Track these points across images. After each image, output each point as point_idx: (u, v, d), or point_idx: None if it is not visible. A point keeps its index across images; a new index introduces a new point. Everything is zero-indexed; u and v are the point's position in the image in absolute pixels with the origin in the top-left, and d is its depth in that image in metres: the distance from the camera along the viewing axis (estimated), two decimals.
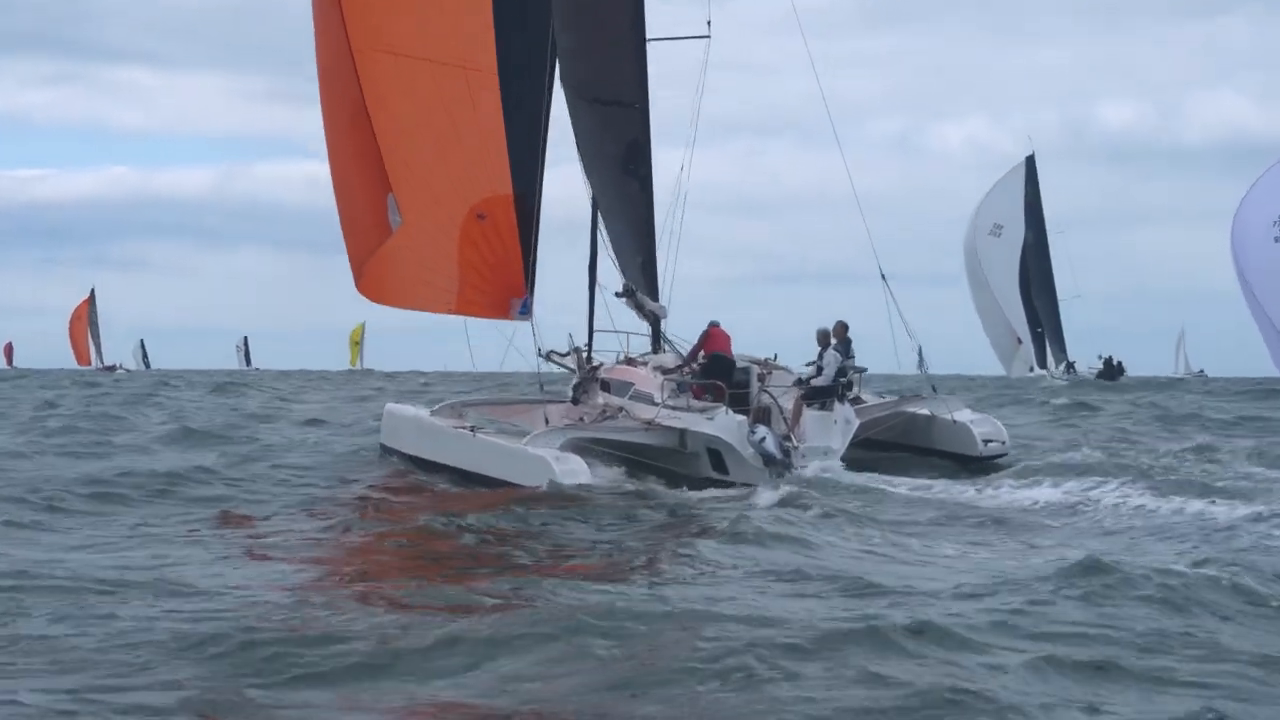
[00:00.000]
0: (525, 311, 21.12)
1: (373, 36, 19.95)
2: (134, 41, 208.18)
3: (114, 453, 22.81)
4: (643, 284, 22.02)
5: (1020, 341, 54.53)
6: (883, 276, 20.86)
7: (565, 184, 22.40)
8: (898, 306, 20.91)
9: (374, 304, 21.82)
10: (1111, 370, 68.19)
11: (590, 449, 18.53)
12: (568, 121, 21.40)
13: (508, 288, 21.26)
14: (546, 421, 19.48)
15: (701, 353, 20.61)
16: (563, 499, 16.09)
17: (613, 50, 21.20)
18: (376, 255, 21.14)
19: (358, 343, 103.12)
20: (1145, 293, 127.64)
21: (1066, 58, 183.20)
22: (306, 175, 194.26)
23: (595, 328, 22.27)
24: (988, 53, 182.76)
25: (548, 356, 22.11)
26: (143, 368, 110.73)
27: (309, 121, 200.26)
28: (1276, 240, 63.69)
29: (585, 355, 21.90)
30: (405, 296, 21.58)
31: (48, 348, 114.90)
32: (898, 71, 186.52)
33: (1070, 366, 65.97)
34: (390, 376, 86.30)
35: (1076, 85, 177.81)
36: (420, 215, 20.61)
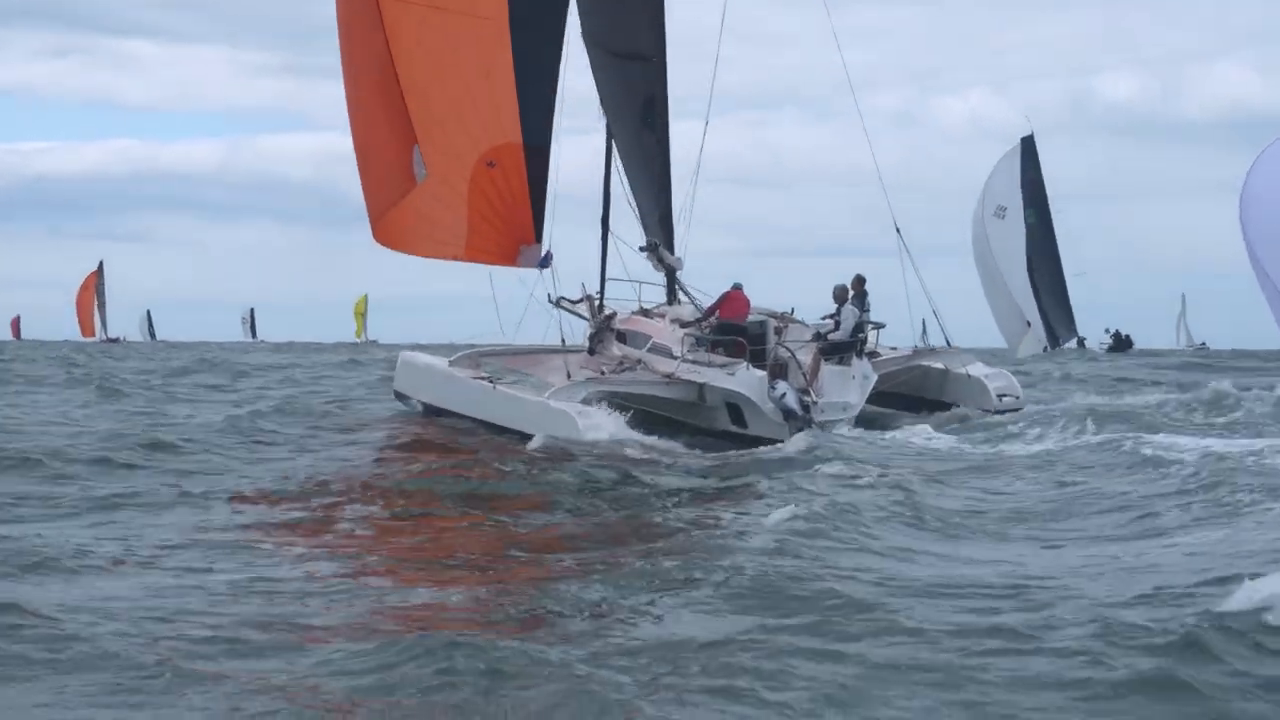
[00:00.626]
0: (546, 263, 21.25)
1: None
2: (139, 14, 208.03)
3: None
4: (661, 237, 22.27)
5: (1029, 324, 54.63)
6: (905, 248, 21.39)
7: (587, 138, 22.49)
8: (919, 274, 21.40)
9: (392, 250, 21.98)
10: (1121, 343, 68.23)
11: (610, 401, 18.72)
12: (586, 75, 21.72)
13: (516, 235, 21.35)
14: (569, 375, 19.63)
15: (715, 315, 20.79)
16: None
17: (630, 2, 21.42)
18: (395, 209, 21.39)
19: (362, 314, 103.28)
20: (1146, 266, 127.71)
21: (1067, 30, 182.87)
22: (312, 148, 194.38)
23: (608, 276, 22.48)
24: (988, 25, 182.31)
25: (558, 303, 22.34)
26: (148, 339, 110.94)
27: (314, 94, 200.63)
28: None
29: (597, 303, 22.10)
30: (417, 243, 21.81)
31: (54, 320, 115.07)
32: (899, 44, 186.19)
33: (1081, 342, 66.26)
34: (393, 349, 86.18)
35: (1078, 57, 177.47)
36: (432, 162, 20.84)
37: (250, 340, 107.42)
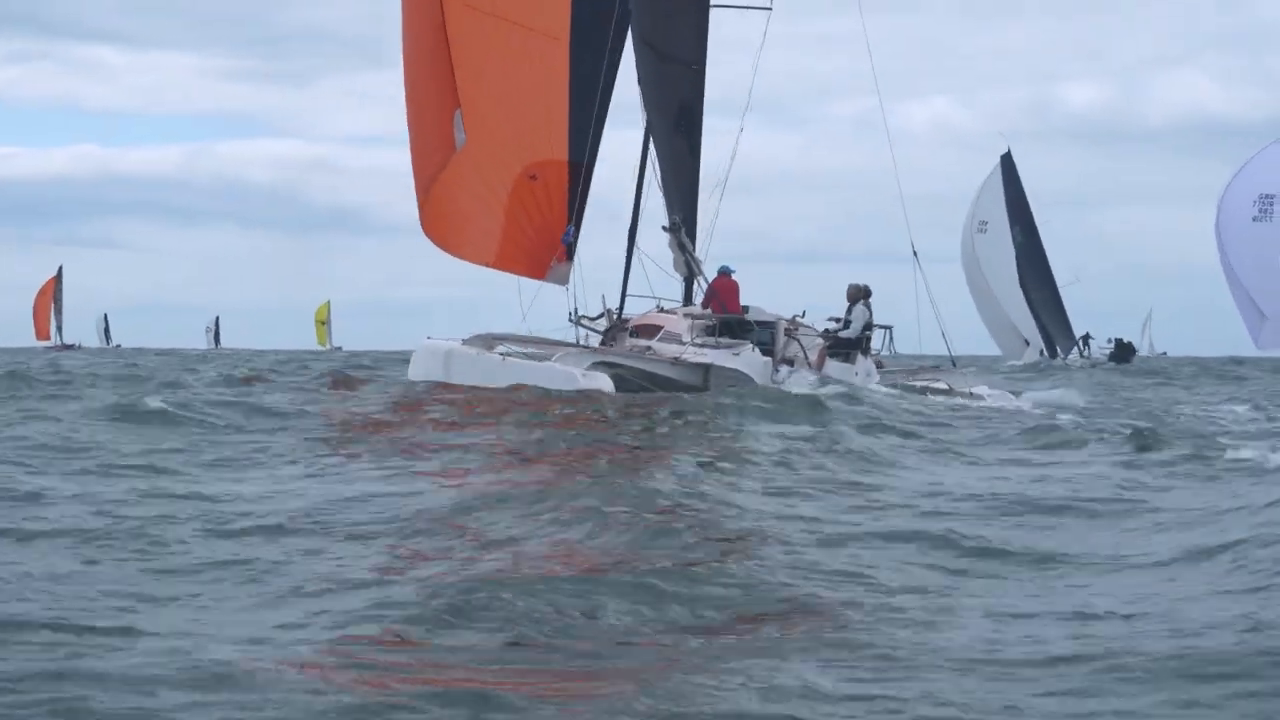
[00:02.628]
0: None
1: None
2: (103, 20, 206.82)
3: None
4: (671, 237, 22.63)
5: (1028, 343, 55.18)
6: (918, 266, 22.03)
7: (625, 150, 22.97)
8: (927, 284, 21.93)
9: (437, 246, 22.48)
10: (1123, 351, 68.64)
11: (616, 375, 19.06)
12: (633, 91, 22.09)
13: (548, 250, 21.96)
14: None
15: (710, 309, 21.25)
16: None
17: (679, 10, 21.85)
18: (436, 188, 21.72)
19: (324, 322, 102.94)
20: (1110, 272, 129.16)
21: (1032, 37, 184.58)
22: (275, 154, 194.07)
23: (629, 293, 22.78)
24: (955, 32, 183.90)
25: (578, 321, 22.68)
26: (104, 344, 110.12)
27: (276, 100, 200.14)
28: (1254, 220, 65.12)
29: (616, 316, 22.39)
30: (455, 243, 22.38)
31: (17, 326, 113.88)
32: (864, 51, 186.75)
33: (1085, 340, 67.02)
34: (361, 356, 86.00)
35: (1042, 65, 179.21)
36: (476, 160, 21.30)
37: (212, 348, 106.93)
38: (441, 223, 22.21)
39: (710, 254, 22.66)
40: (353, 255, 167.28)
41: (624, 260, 23.04)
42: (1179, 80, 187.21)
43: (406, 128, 22.30)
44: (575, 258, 22.42)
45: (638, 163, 22.81)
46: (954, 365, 22.67)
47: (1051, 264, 60.98)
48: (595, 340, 22.11)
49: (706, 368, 19.76)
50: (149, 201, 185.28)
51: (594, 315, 22.73)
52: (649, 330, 21.13)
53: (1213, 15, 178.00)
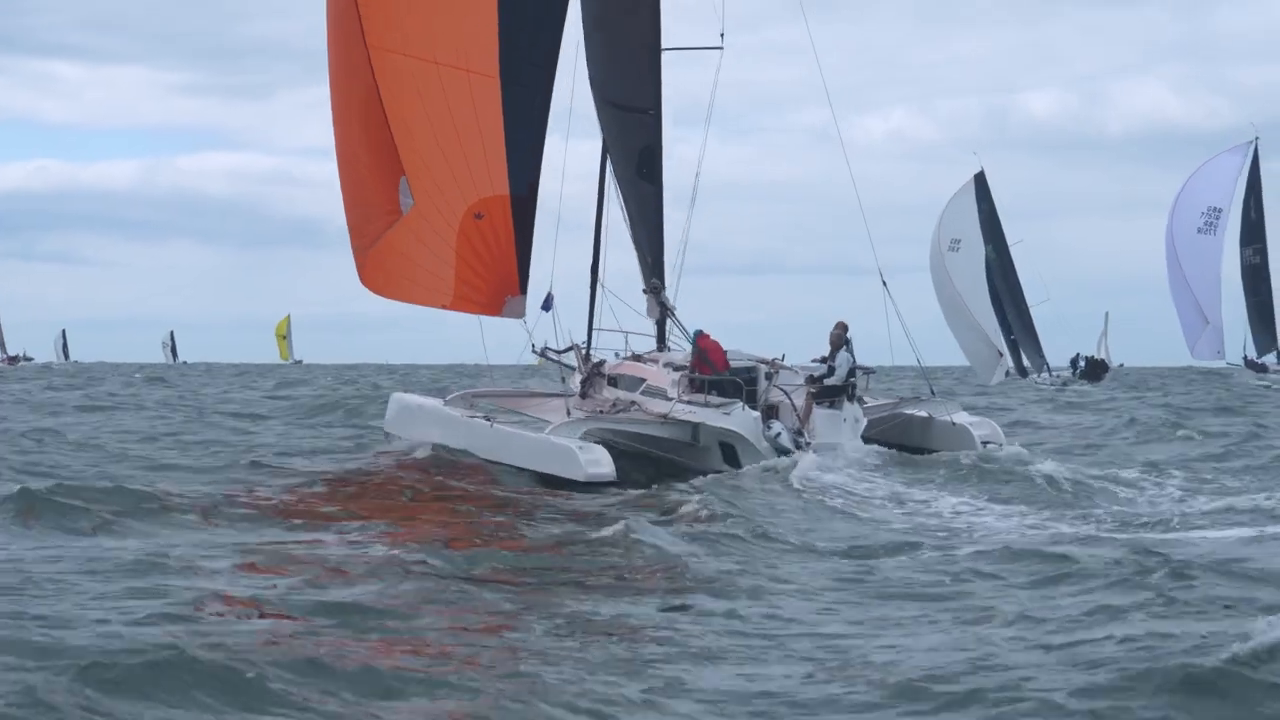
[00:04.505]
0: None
1: (381, 36, 20.28)
2: (60, 36, 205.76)
3: None
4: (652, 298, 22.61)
5: (1001, 354, 55.39)
6: (884, 284, 21.81)
7: (584, 183, 22.86)
8: (898, 311, 21.76)
9: (379, 296, 22.11)
10: (1095, 369, 68.76)
11: (605, 439, 18.80)
12: (587, 123, 22.24)
13: (502, 286, 21.56)
14: (568, 413, 19.78)
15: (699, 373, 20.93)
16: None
17: (630, 57, 21.90)
18: (379, 244, 21.41)
19: (284, 336, 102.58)
20: (1070, 284, 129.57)
21: (989, 47, 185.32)
22: (231, 167, 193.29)
23: (596, 326, 22.56)
24: (911, 42, 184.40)
25: (542, 353, 22.58)
26: (62, 359, 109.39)
27: (234, 113, 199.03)
28: (1199, 231, 65.91)
29: (585, 352, 22.19)
30: (403, 290, 21.98)
31: None
32: (821, 60, 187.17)
33: (1076, 361, 67.57)
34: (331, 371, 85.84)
35: (999, 75, 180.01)
36: (422, 210, 20.96)
37: (170, 363, 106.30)
38: (382, 273, 21.73)
39: (681, 268, 22.63)
40: (312, 268, 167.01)
41: (588, 295, 22.83)
42: (1137, 89, 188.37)
43: (340, 190, 21.77)
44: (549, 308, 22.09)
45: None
46: (932, 394, 22.35)
47: (1023, 283, 61.49)
48: (570, 379, 21.96)
49: (696, 426, 19.51)
50: (108, 215, 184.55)
51: (560, 349, 22.48)
52: (630, 381, 20.89)
53: (1169, 25, 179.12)
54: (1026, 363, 62.78)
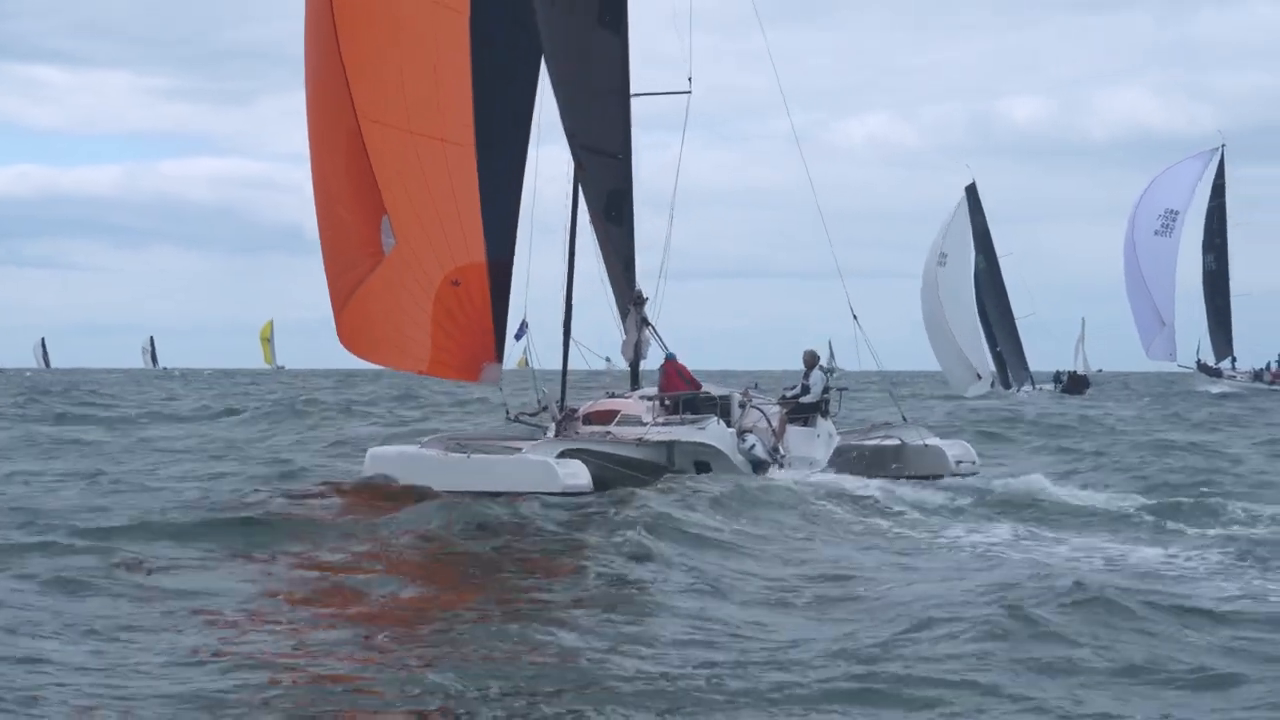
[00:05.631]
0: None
1: (362, 104, 20.03)
2: (44, 41, 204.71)
3: None
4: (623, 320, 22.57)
5: (979, 377, 55.25)
6: (854, 317, 22.35)
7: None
8: (865, 336, 22.33)
9: (357, 356, 22.00)
10: (1076, 384, 68.89)
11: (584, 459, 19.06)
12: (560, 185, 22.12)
13: (479, 353, 21.50)
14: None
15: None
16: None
17: (599, 103, 22.04)
18: (356, 301, 21.14)
19: (267, 339, 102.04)
20: (1054, 289, 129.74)
21: (972, 54, 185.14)
22: (215, 172, 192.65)
23: (570, 383, 22.34)
24: (894, 48, 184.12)
25: (517, 418, 22.32)
26: (42, 366, 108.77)
27: (218, 119, 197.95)
28: (1155, 234, 66.35)
29: (559, 404, 21.89)
30: (380, 353, 21.91)
31: None
32: (805, 67, 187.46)
33: (1058, 376, 67.94)
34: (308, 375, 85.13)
35: (982, 81, 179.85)
36: (399, 275, 20.80)
37: (151, 368, 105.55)
38: (361, 336, 21.53)
39: (665, 271, 22.73)
40: (296, 274, 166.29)
41: (561, 349, 22.56)
42: (1119, 96, 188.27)
43: (318, 234, 21.29)
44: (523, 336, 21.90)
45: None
46: (904, 420, 22.84)
47: (1010, 294, 61.87)
48: (546, 431, 21.74)
49: (670, 445, 19.98)
50: (91, 221, 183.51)
51: (532, 411, 22.26)
52: (604, 416, 21.08)
53: (1151, 32, 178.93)
54: (1010, 376, 63.24)
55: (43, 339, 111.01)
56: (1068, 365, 75.36)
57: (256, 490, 20.38)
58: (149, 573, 12.50)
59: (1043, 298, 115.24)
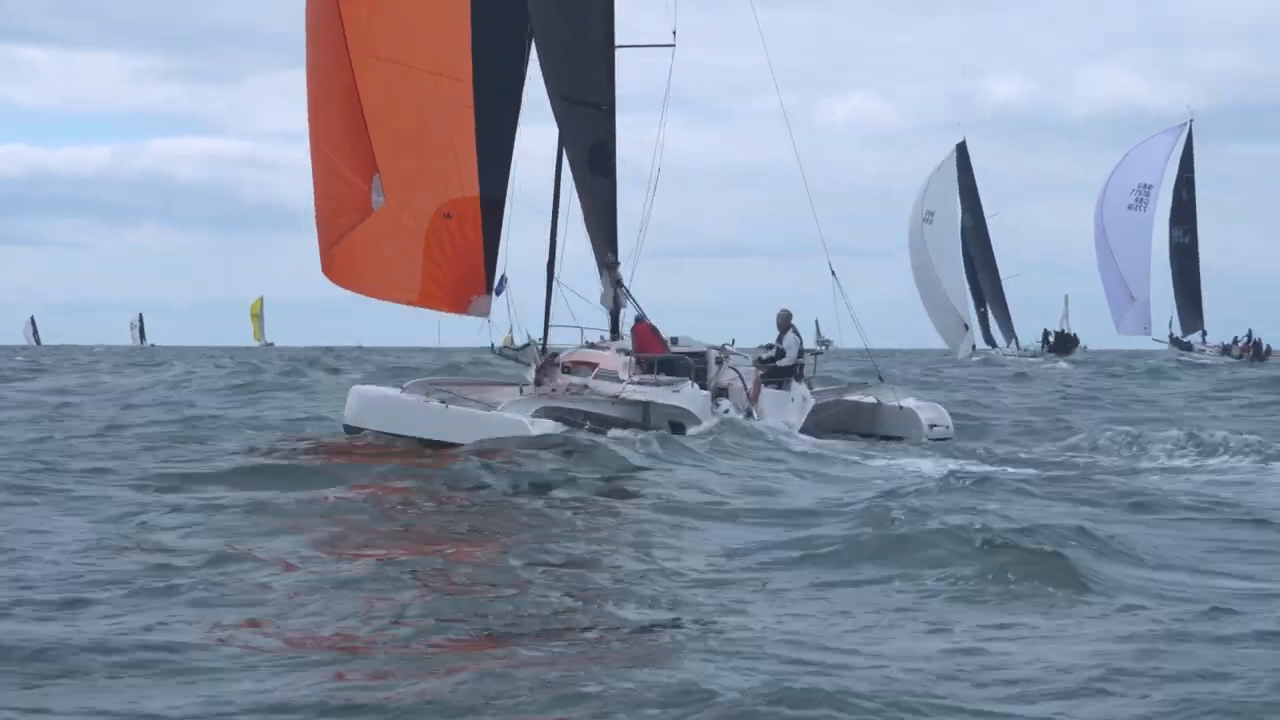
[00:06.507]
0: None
1: (360, 39, 20.88)
2: (29, 21, 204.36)
3: None
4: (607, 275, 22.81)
5: (967, 328, 55.81)
6: (833, 273, 22.29)
7: (543, 166, 23.26)
8: (846, 299, 22.16)
9: (341, 288, 22.52)
10: (1064, 343, 69.27)
11: (559, 419, 19.21)
12: (546, 111, 22.34)
13: (468, 285, 22.06)
14: (521, 393, 20.29)
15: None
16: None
17: (584, 54, 22.25)
18: (348, 239, 21.86)
19: (257, 315, 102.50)
20: (1038, 267, 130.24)
21: (954, 32, 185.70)
22: (202, 151, 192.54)
23: (551, 323, 22.79)
24: (875, 27, 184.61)
25: (500, 351, 23.08)
26: (33, 344, 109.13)
27: (205, 98, 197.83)
28: (1129, 208, 66.92)
29: (540, 348, 22.39)
30: (368, 284, 22.46)
31: None
32: (786, 45, 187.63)
33: (1046, 336, 67.85)
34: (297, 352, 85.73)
35: (964, 59, 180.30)
36: (391, 207, 21.47)
37: (139, 345, 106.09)
38: (348, 266, 22.24)
39: (642, 250, 22.96)
40: (284, 251, 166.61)
41: (545, 292, 23.02)
42: (1102, 74, 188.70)
43: (312, 183, 22.24)
44: (503, 290, 22.38)
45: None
46: (880, 379, 22.84)
47: (997, 254, 62.01)
48: (525, 373, 22.17)
49: (646, 405, 19.97)
50: (79, 199, 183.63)
51: (517, 346, 22.87)
52: (583, 366, 21.25)
53: (1134, 10, 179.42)
54: (996, 335, 63.31)
55: (32, 317, 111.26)
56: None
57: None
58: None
59: (1028, 275, 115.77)
